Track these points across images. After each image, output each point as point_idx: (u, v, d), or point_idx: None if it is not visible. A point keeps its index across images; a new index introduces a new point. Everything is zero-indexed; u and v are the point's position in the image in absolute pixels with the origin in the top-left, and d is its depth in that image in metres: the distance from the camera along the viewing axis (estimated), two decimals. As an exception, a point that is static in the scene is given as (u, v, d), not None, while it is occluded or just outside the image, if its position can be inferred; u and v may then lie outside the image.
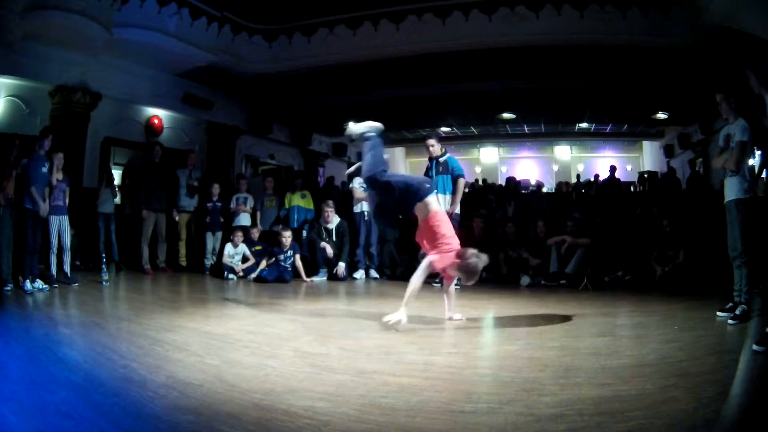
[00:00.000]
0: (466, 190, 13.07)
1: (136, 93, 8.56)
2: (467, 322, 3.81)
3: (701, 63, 7.86)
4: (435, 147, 5.69)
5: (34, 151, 5.17)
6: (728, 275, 4.43)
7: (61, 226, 5.43)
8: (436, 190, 5.53)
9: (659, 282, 5.69)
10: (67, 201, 5.58)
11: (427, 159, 5.95)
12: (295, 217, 7.43)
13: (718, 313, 3.52)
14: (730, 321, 3.31)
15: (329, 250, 6.47)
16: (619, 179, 11.76)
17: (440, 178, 5.59)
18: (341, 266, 6.38)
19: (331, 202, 6.73)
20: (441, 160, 5.65)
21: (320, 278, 6.39)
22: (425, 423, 1.67)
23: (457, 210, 5.57)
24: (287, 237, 6.38)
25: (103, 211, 6.92)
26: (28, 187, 4.99)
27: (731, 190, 3.52)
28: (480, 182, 14.19)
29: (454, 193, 5.52)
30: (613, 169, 11.51)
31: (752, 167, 3.60)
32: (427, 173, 5.82)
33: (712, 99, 3.85)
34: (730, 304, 3.52)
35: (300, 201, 7.55)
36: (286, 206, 7.56)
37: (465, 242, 7.00)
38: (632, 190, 12.93)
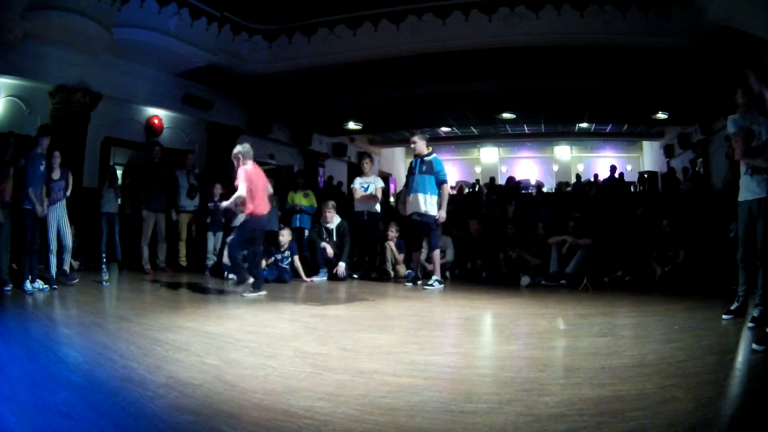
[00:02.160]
0: (467, 190, 13.13)
1: (136, 93, 8.55)
2: (467, 322, 3.81)
3: (701, 63, 7.85)
4: (417, 144, 5.77)
5: (32, 150, 5.13)
6: (728, 275, 4.42)
7: (60, 224, 5.35)
8: (415, 190, 5.66)
9: (659, 282, 5.69)
10: (66, 194, 5.43)
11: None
12: (297, 216, 7.44)
13: (724, 316, 3.48)
14: (749, 324, 3.21)
15: (329, 251, 6.47)
16: (622, 175, 11.76)
17: (422, 178, 5.66)
18: (341, 266, 6.37)
19: (331, 203, 6.72)
20: (426, 159, 5.72)
21: (320, 278, 6.38)
22: (425, 423, 1.67)
23: (435, 212, 5.65)
24: (285, 236, 6.35)
25: (107, 210, 6.90)
26: (26, 188, 4.94)
27: (761, 188, 3.34)
28: (482, 184, 14.10)
29: (441, 199, 5.63)
30: (613, 168, 11.52)
31: None
32: (410, 171, 5.90)
33: (711, 99, 3.81)
34: (736, 305, 3.48)
35: (303, 200, 7.55)
36: (290, 203, 7.57)
37: (463, 242, 7.07)
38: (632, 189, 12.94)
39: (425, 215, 5.62)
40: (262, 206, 4.80)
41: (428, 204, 5.61)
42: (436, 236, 5.83)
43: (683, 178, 10.82)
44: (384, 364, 2.41)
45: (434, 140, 14.49)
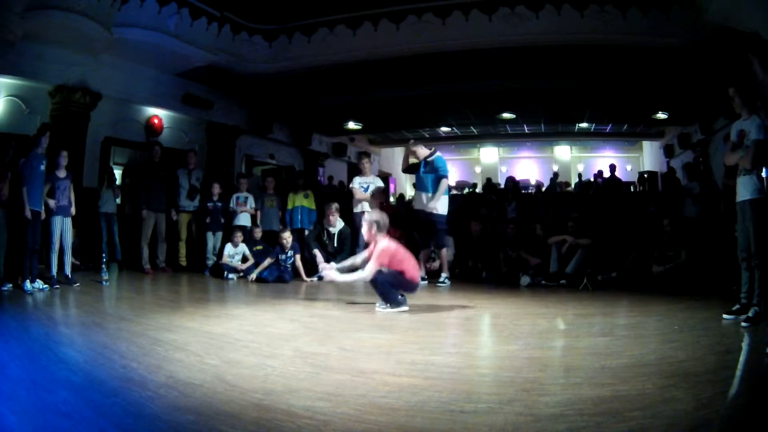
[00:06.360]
0: (466, 190, 13.11)
1: (136, 93, 8.55)
2: (467, 322, 3.81)
3: (701, 63, 7.84)
4: (418, 152, 5.99)
5: (32, 150, 5.14)
6: (728, 275, 4.42)
7: (63, 227, 5.41)
8: (418, 189, 5.85)
9: (657, 279, 5.67)
10: (72, 199, 5.55)
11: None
12: (299, 217, 7.42)
13: (725, 316, 3.47)
14: (743, 324, 3.23)
15: (320, 258, 6.37)
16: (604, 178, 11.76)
17: (425, 176, 5.86)
18: (331, 265, 6.28)
19: (335, 205, 6.67)
20: (429, 159, 5.90)
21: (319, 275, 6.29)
22: (425, 423, 1.67)
23: (441, 210, 5.80)
24: (287, 238, 6.37)
25: (106, 211, 6.91)
26: (21, 187, 4.94)
27: (746, 189, 3.40)
28: (480, 186, 14.07)
29: (435, 191, 5.77)
30: (599, 173, 11.53)
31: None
32: (417, 171, 6.01)
33: (711, 99, 3.82)
34: (737, 306, 3.47)
35: (303, 201, 7.54)
36: (289, 207, 7.54)
37: (463, 242, 7.08)
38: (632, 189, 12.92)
39: (430, 214, 5.75)
40: (414, 273, 4.14)
41: (431, 201, 5.74)
42: (442, 235, 5.93)
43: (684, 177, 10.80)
44: (384, 364, 2.41)
45: (434, 140, 14.50)
